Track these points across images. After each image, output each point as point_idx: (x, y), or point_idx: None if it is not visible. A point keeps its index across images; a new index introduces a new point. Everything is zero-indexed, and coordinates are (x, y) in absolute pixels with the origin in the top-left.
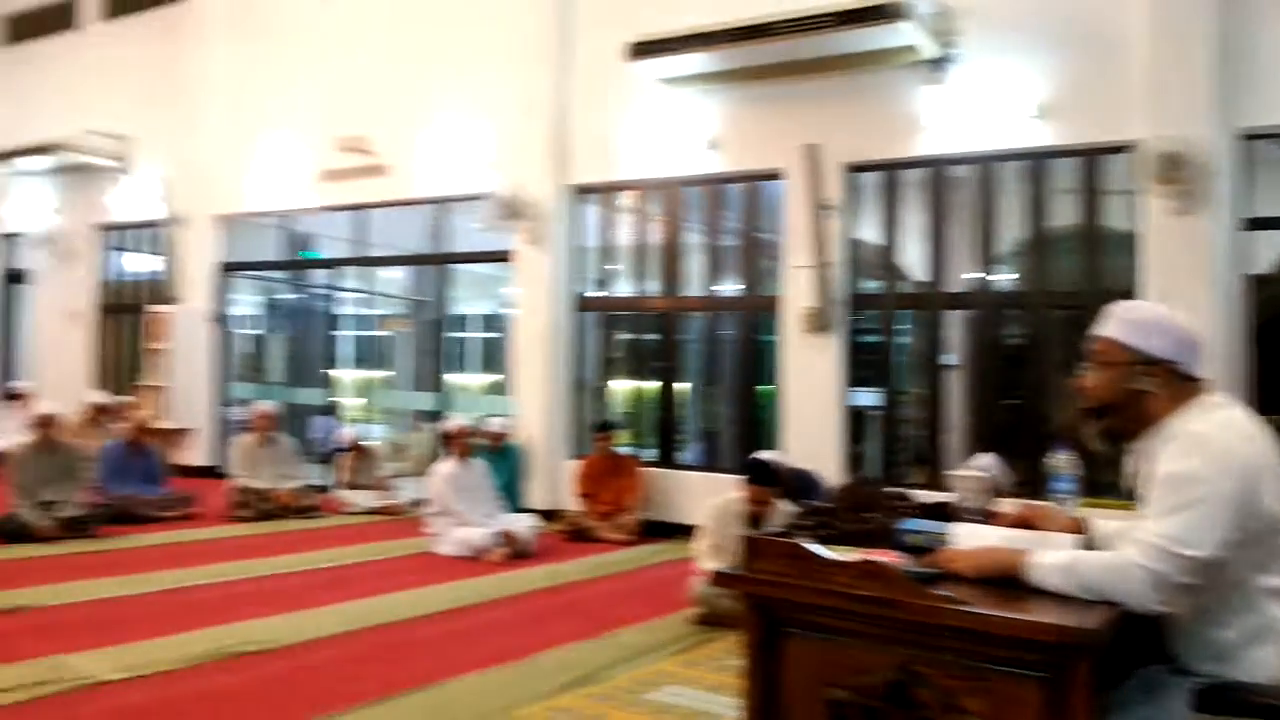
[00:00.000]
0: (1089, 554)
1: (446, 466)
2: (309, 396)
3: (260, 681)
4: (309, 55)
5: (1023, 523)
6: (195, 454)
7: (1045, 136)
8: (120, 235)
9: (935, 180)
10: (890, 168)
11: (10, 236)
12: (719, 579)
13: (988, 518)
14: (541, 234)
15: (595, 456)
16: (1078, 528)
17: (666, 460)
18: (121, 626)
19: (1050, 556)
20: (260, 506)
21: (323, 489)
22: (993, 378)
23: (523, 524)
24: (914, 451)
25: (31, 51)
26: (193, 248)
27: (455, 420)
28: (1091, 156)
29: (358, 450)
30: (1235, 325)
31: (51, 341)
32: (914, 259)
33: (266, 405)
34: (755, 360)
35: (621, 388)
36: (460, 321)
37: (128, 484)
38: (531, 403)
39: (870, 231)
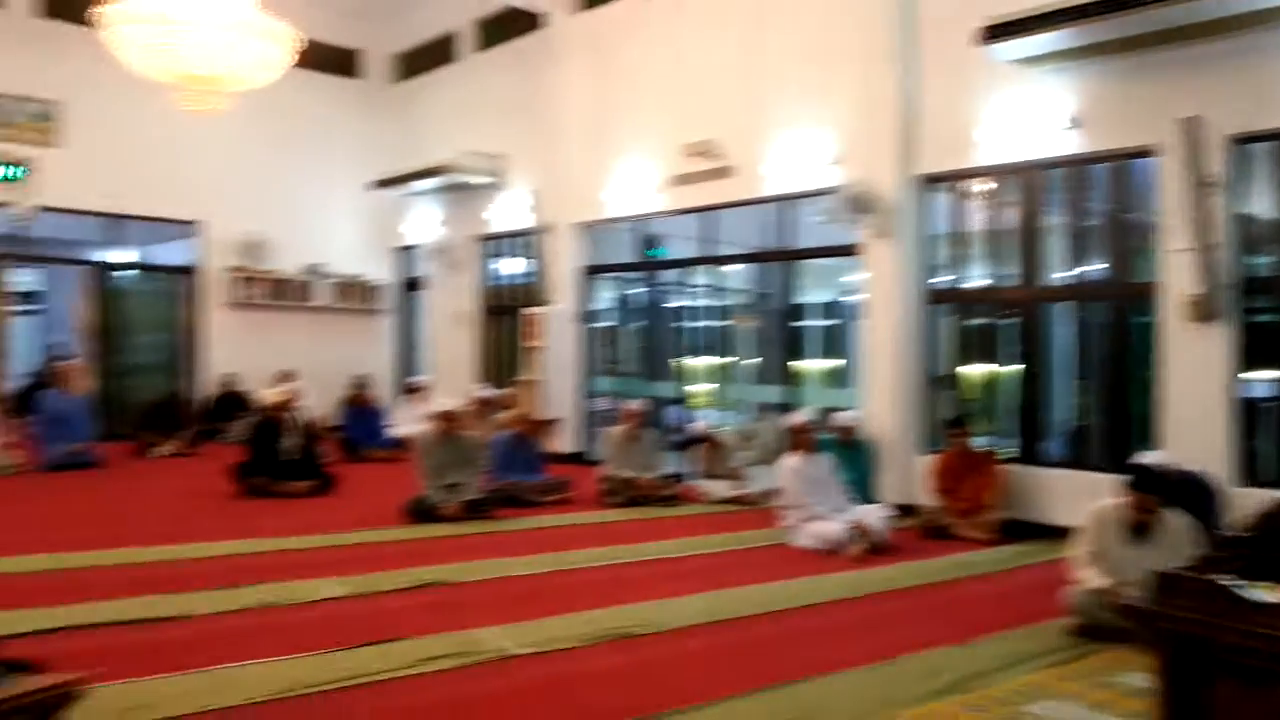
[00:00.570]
0: None
1: (793, 461)
2: (661, 388)
3: (642, 664)
4: (656, 68)
5: None
6: (565, 442)
7: None
8: (497, 244)
9: None
10: None
11: (408, 249)
12: (1128, 612)
13: None
14: (889, 227)
15: (950, 452)
16: None
17: (1029, 456)
18: (522, 604)
19: None
20: (627, 494)
21: (680, 478)
22: None
23: (875, 515)
24: None
25: (419, 84)
26: (558, 253)
27: (799, 415)
28: None
29: (710, 441)
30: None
31: (442, 341)
32: None
33: (635, 404)
34: (1126, 349)
35: (974, 375)
36: (800, 310)
37: (513, 471)
38: (881, 397)
39: (1263, 206)
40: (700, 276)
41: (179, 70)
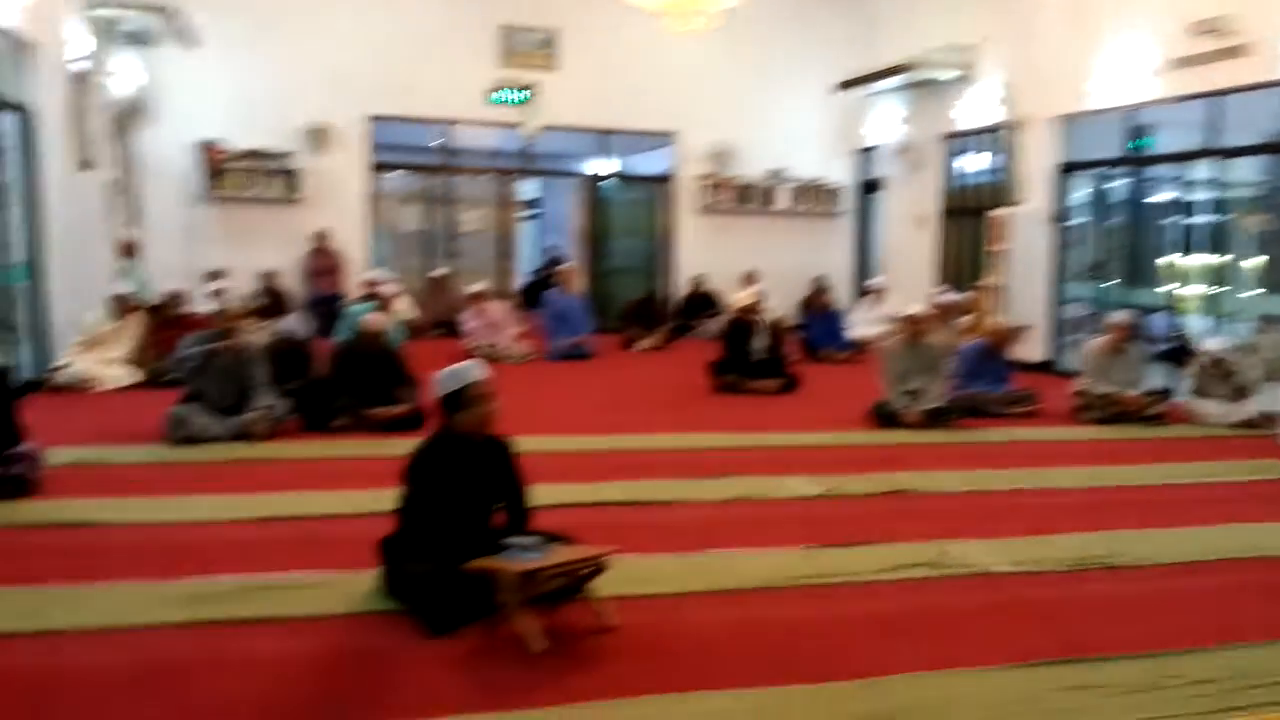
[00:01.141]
0: None
1: None
2: (1144, 295)
3: (1137, 598)
4: None
5: None
6: (1032, 350)
7: None
8: (962, 141)
9: None
10: None
11: (868, 150)
12: None
13: None
14: None
15: None
16: None
17: None
18: (998, 520)
19: None
20: (1105, 410)
21: (1168, 395)
22: None
23: None
24: None
25: None
26: (1030, 149)
27: None
28: None
29: (1205, 355)
30: None
31: (900, 243)
32: None
33: (1122, 315)
34: None
35: None
36: None
37: (978, 380)
38: None
39: None
40: (1196, 170)
41: None
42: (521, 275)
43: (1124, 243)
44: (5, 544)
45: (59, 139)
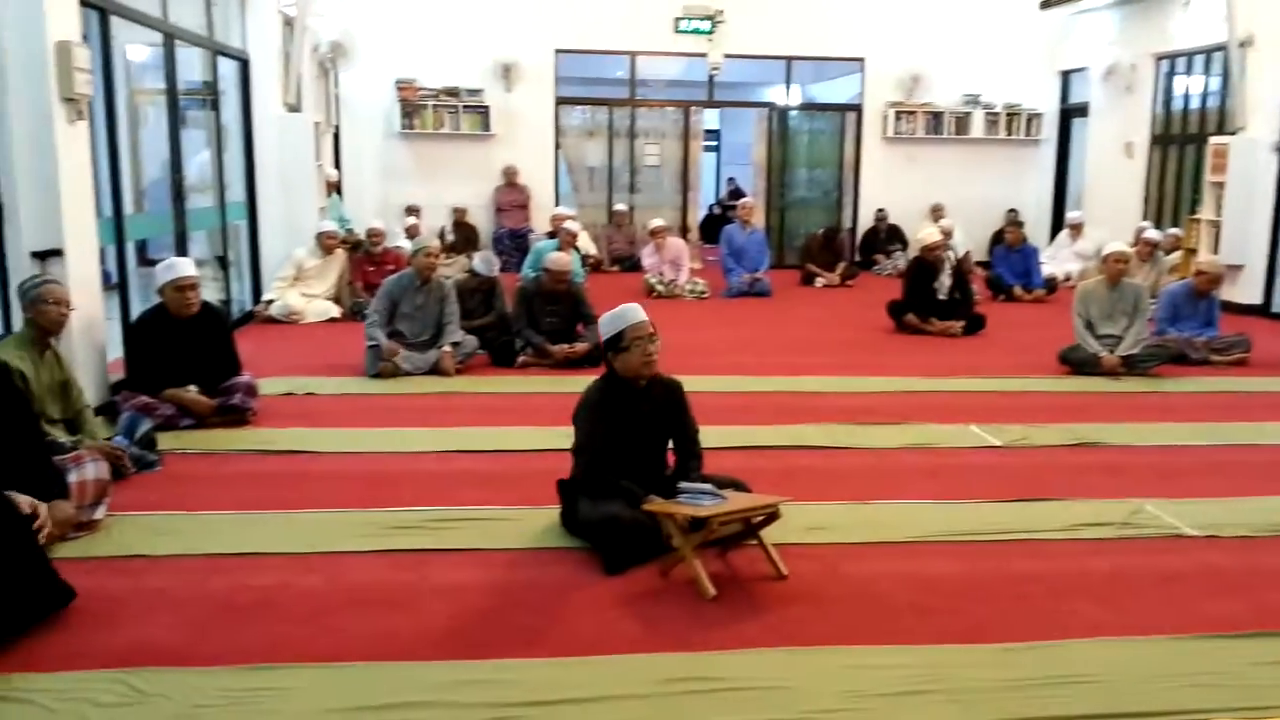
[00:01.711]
0: None
1: None
2: None
3: None
4: None
5: None
6: (1246, 292)
7: None
8: (1177, 62)
9: None
10: None
11: (1071, 73)
12: None
13: None
14: None
15: None
16: None
17: None
18: (1191, 478)
19: None
20: None
21: None
22: None
23: None
24: None
25: None
26: (1256, 71)
27: None
28: None
29: None
30: None
31: (1103, 174)
32: None
33: None
34: None
35: None
36: None
37: (1182, 324)
38: None
39: None
40: None
41: None
42: (701, 209)
43: None
44: (224, 470)
45: (271, 82)
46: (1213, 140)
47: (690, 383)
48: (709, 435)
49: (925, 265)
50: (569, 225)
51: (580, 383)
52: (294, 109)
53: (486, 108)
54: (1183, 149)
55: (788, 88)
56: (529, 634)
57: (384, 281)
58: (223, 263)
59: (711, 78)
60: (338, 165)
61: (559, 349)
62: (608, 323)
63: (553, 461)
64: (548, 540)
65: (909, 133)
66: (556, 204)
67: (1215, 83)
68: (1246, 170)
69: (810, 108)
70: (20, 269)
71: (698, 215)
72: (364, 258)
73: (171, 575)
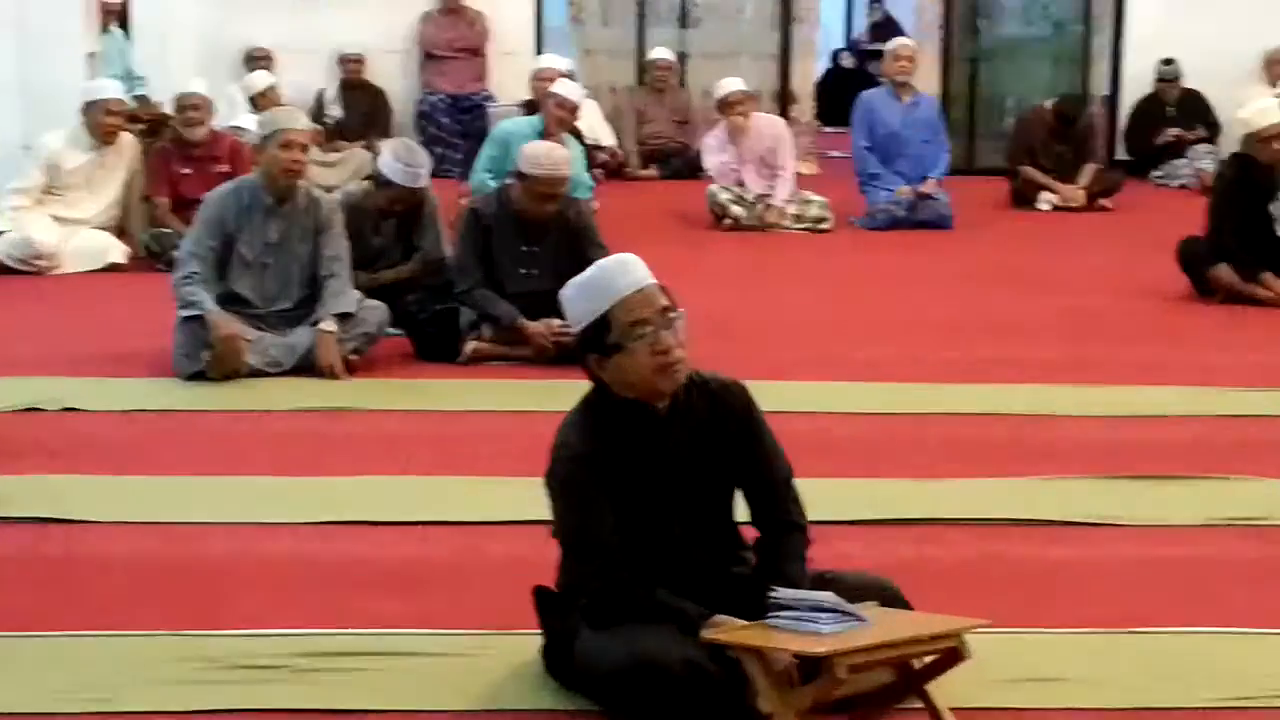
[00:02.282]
0: None
1: None
2: None
3: None
4: None
5: None
6: None
7: None
8: None
9: None
10: None
11: None
12: None
13: None
14: None
15: None
16: None
17: None
18: None
19: None
20: None
21: None
22: None
23: None
24: None
25: None
26: None
27: None
28: None
29: None
30: None
31: None
32: None
33: None
34: None
35: None
36: None
37: None
38: None
39: None
40: None
41: None
42: (819, 61)
43: None
44: None
45: None
46: None
47: (788, 395)
48: (828, 495)
49: (1254, 172)
50: (563, 89)
51: (577, 391)
52: None
53: None
54: None
55: None
56: None
57: (208, 198)
58: None
59: None
60: None
61: (541, 327)
62: (579, 298)
63: (524, 542)
64: (520, 697)
65: None
66: (539, 51)
67: None
68: None
69: None
70: None
71: (811, 72)
72: (172, 150)
73: None
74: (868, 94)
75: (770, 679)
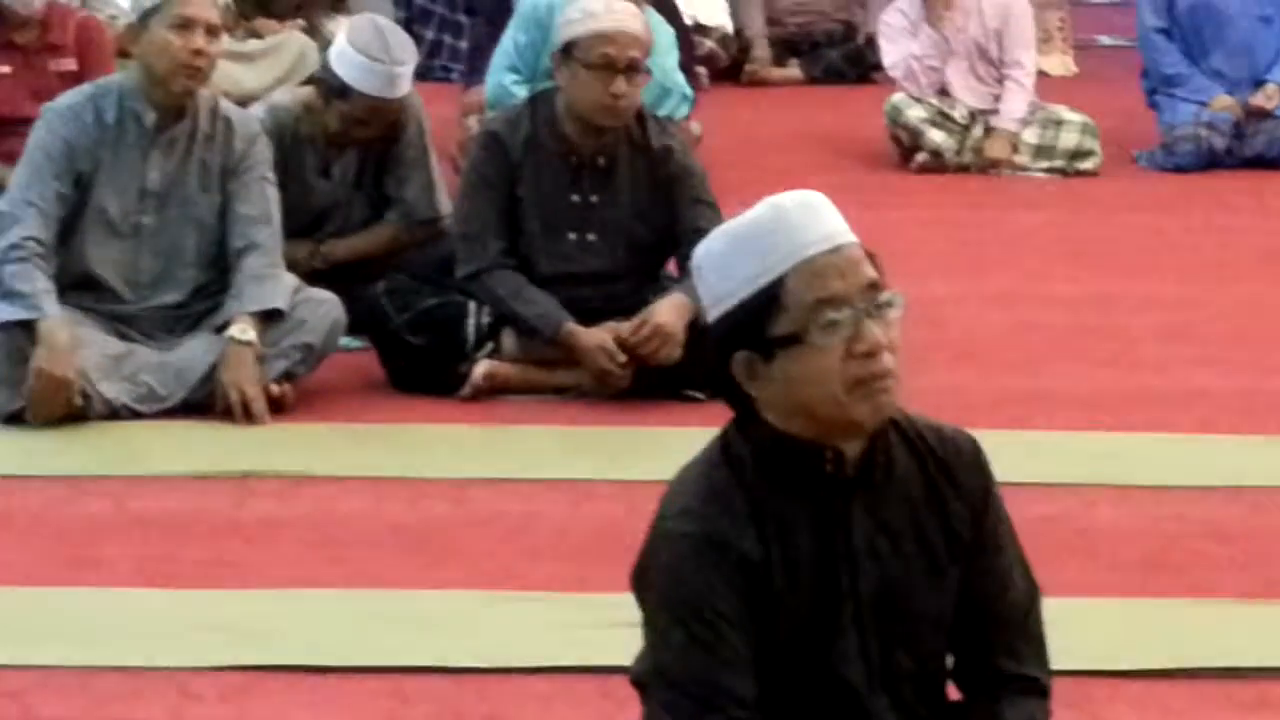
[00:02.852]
0: None
1: None
2: None
3: None
4: None
5: None
6: None
7: None
8: None
9: None
10: None
11: None
12: None
13: None
14: None
15: None
16: None
17: None
18: None
19: None
20: None
21: None
22: None
23: None
24: None
25: None
26: None
27: None
28: None
29: None
30: None
31: None
32: None
33: None
34: None
35: None
36: None
37: None
38: None
39: None
40: None
41: None
42: None
43: None
44: None
45: None
46: None
47: (1038, 455)
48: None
49: None
50: None
51: (676, 448)
52: None
53: None
54: None
55: None
56: None
57: (46, 114)
58: None
59: None
60: None
61: (606, 336)
62: (730, 254)
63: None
64: None
65: None
66: None
67: None
68: None
69: None
70: None
71: None
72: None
73: None
74: None
75: None
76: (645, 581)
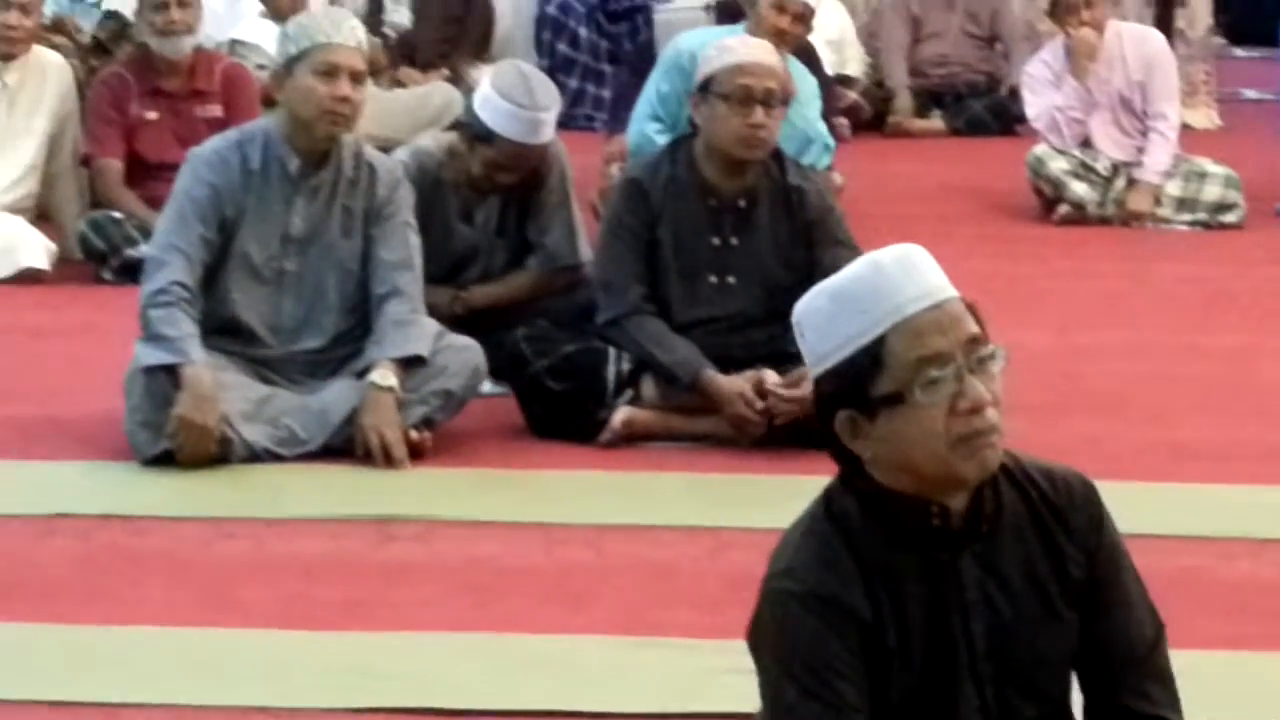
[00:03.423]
0: None
1: None
2: None
3: None
4: None
5: None
6: None
7: None
8: None
9: None
10: None
11: None
12: None
13: None
14: None
15: None
16: None
17: None
18: None
19: None
20: None
21: None
22: None
23: None
24: None
25: None
26: None
27: None
28: None
29: None
30: None
31: None
32: None
33: None
34: None
35: None
36: None
37: None
38: None
39: None
40: None
41: None
42: None
43: None
44: None
45: None
46: None
47: (1167, 505)
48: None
49: None
50: None
51: (812, 496)
52: None
53: None
54: None
55: None
56: None
57: (192, 159)
58: None
59: None
60: None
61: (745, 386)
62: (832, 314)
63: None
64: None
65: None
66: None
67: None
68: None
69: None
70: None
71: None
72: (129, 78)
73: None
74: None
75: None
76: (757, 640)
